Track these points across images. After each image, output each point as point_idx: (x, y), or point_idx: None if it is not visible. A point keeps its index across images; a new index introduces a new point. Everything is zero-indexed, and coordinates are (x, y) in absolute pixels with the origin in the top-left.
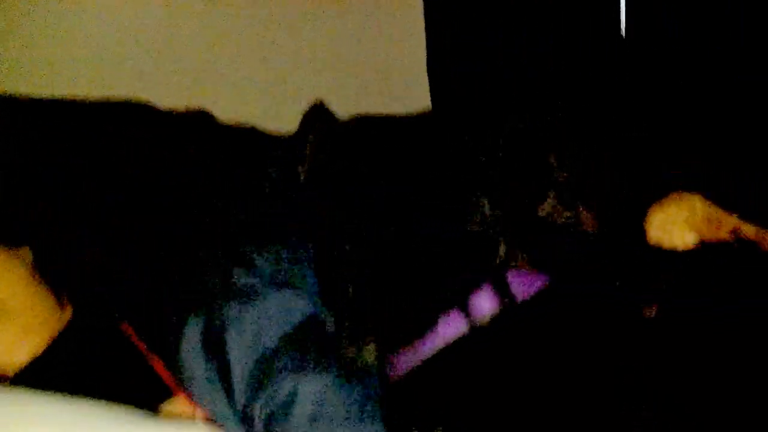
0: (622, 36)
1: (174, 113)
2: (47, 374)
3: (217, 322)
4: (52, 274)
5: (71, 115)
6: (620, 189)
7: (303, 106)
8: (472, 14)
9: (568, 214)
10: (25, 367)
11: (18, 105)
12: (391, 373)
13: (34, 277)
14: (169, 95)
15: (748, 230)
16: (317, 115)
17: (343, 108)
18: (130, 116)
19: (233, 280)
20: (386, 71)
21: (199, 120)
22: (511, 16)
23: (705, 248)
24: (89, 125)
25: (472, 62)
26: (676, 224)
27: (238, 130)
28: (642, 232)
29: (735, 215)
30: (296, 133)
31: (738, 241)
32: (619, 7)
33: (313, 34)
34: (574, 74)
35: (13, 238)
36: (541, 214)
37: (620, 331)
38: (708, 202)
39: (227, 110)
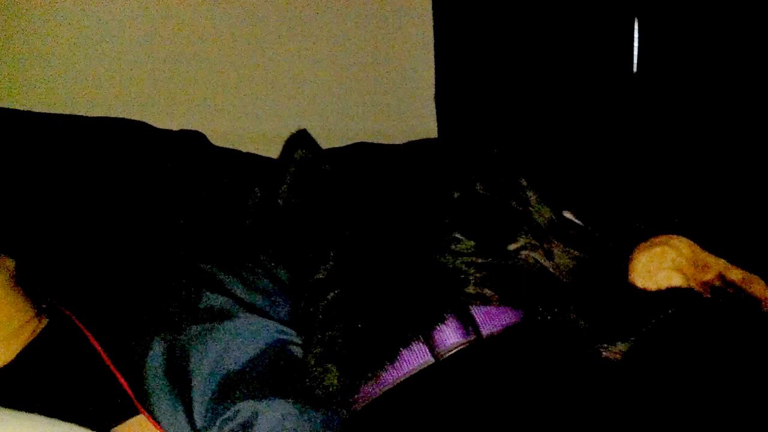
0: (633, 72)
1: (168, 132)
2: (13, 383)
3: (182, 343)
4: (34, 285)
5: (66, 130)
6: (604, 226)
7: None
8: (483, 43)
9: (539, 253)
10: None
11: (14, 117)
12: (353, 403)
13: (12, 286)
14: (170, 114)
15: (735, 275)
16: (299, 141)
17: (351, 131)
18: (124, 134)
19: (202, 301)
20: (395, 97)
21: (192, 141)
22: (523, 45)
23: (687, 292)
24: (83, 140)
25: (481, 91)
26: (661, 266)
27: (228, 152)
28: (624, 273)
29: (722, 260)
30: (279, 157)
31: (724, 285)
32: (632, 43)
33: (322, 59)
34: (584, 108)
35: None
36: (511, 248)
37: (582, 373)
38: (695, 245)
39: (239, 135)
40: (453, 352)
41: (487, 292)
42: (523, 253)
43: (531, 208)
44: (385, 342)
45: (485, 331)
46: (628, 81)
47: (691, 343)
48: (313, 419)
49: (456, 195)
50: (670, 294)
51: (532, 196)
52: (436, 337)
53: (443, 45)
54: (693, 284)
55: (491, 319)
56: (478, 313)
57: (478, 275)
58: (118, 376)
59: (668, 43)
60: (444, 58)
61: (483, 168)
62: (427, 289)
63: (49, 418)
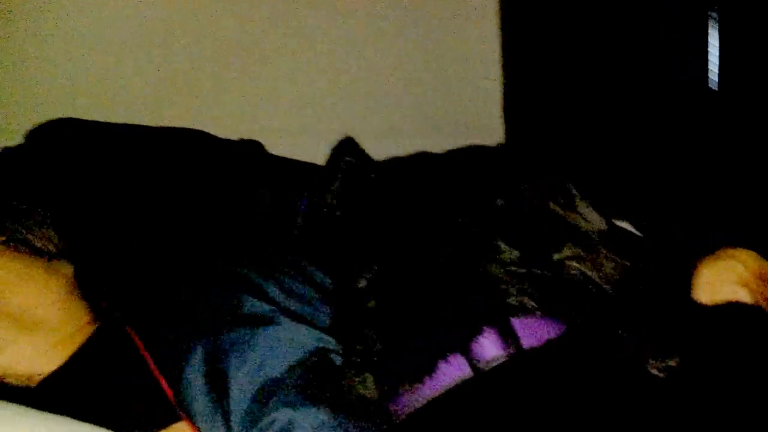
0: (712, 89)
1: (227, 141)
2: (61, 387)
3: (222, 349)
4: (91, 289)
5: (130, 139)
6: (665, 238)
7: (374, 138)
8: (551, 52)
9: (586, 264)
10: (46, 378)
11: (80, 126)
12: (391, 416)
13: (70, 291)
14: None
15: None
16: (346, 149)
17: (412, 140)
18: (186, 143)
19: (244, 307)
20: (461, 103)
21: (250, 149)
22: (596, 54)
23: (750, 309)
24: (148, 150)
25: (550, 99)
26: (727, 280)
27: (285, 161)
28: (683, 287)
29: None
30: (326, 164)
31: None
32: (707, 59)
33: (386, 66)
34: (656, 123)
35: (57, 253)
36: (556, 258)
37: (627, 389)
38: (762, 260)
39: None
40: (492, 365)
41: (530, 303)
42: (569, 263)
43: (580, 217)
44: (423, 353)
45: (526, 344)
46: (705, 94)
47: (747, 364)
48: (351, 428)
49: (500, 202)
50: (732, 309)
51: (581, 203)
52: (475, 349)
53: (511, 48)
54: (759, 300)
55: (533, 332)
56: (519, 325)
57: (520, 286)
58: (162, 381)
59: (750, 61)
60: (512, 65)
61: (530, 174)
62: (468, 300)
63: (86, 424)
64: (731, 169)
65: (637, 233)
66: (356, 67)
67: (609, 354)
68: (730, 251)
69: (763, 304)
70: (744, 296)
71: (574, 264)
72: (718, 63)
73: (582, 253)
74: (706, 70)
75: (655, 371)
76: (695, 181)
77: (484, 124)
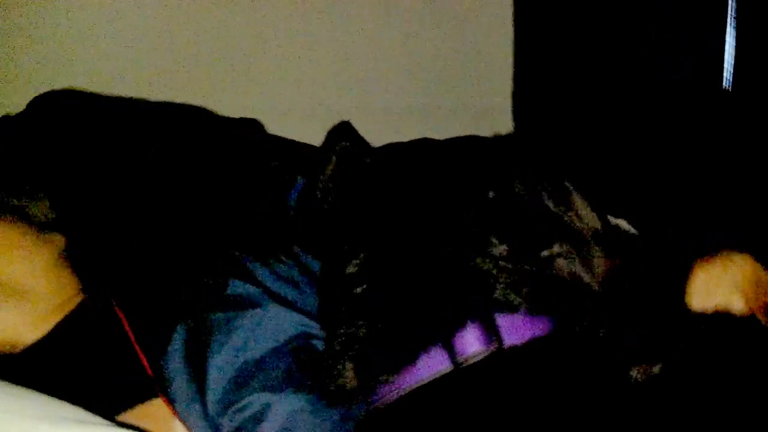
0: (726, 89)
1: (226, 119)
2: (42, 358)
3: (205, 330)
4: (81, 262)
5: (124, 112)
6: (664, 238)
7: (385, 126)
8: (564, 47)
9: (576, 262)
10: (29, 347)
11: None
12: (369, 405)
13: (60, 263)
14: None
15: None
16: (342, 133)
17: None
18: (182, 118)
19: (229, 289)
20: (471, 92)
21: (249, 128)
22: (608, 49)
23: (741, 320)
24: (139, 124)
25: (560, 94)
26: (721, 284)
27: (283, 141)
28: (677, 288)
29: None
30: (320, 147)
31: None
32: (723, 58)
33: (396, 55)
34: (667, 122)
35: (49, 223)
36: (545, 254)
37: (605, 393)
38: (758, 265)
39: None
40: (472, 361)
41: (516, 299)
42: (558, 261)
43: (574, 213)
44: (404, 344)
45: (508, 342)
46: (718, 95)
47: (732, 374)
48: (326, 418)
49: (492, 195)
50: (723, 318)
51: (577, 200)
52: (457, 343)
53: (524, 37)
54: (753, 306)
55: (516, 330)
56: (503, 321)
57: (507, 281)
58: (142, 357)
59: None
60: (525, 53)
61: (524, 168)
62: (454, 293)
63: (55, 399)
64: (737, 169)
65: (634, 231)
66: (363, 49)
67: (591, 357)
68: (727, 254)
69: (757, 310)
70: (738, 301)
71: (563, 262)
72: (733, 62)
73: (572, 251)
74: (721, 69)
75: (636, 376)
76: (699, 180)
77: (493, 110)
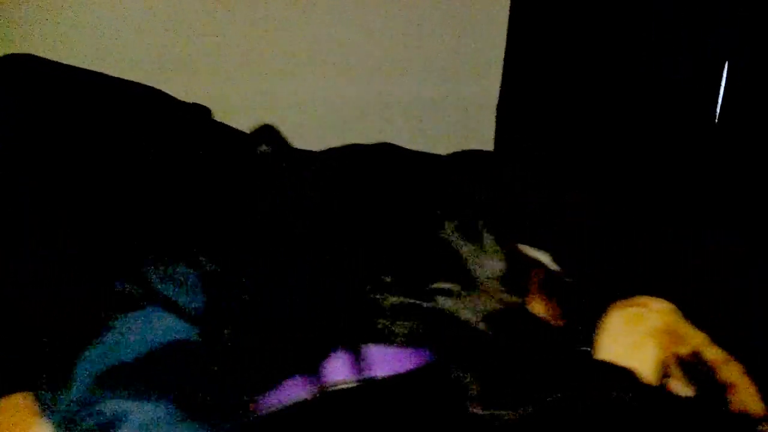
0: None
1: (178, 103)
2: None
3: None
4: None
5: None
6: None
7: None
8: (555, 69)
9: (460, 300)
10: None
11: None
12: (231, 425)
13: None
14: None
15: (711, 354)
16: (265, 137)
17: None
18: (133, 100)
19: (113, 287)
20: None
21: (195, 115)
22: (600, 80)
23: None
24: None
25: (546, 94)
26: (635, 329)
27: (227, 130)
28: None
29: (703, 334)
30: (238, 151)
31: (697, 362)
32: (717, 93)
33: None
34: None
35: None
36: (428, 289)
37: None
38: (677, 313)
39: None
40: (336, 389)
41: (398, 329)
42: (440, 298)
43: (475, 251)
44: (272, 365)
45: (379, 373)
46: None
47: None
48: (188, 430)
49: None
50: (625, 375)
51: (487, 238)
52: (324, 370)
53: (516, 40)
54: (669, 357)
55: (387, 362)
56: (374, 352)
57: (392, 312)
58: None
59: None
60: (513, 72)
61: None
62: (331, 320)
63: None
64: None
65: (555, 267)
66: (360, 46)
67: (452, 398)
68: (646, 299)
69: (672, 362)
70: (652, 348)
71: (444, 298)
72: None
73: (458, 289)
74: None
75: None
76: (699, 180)
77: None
